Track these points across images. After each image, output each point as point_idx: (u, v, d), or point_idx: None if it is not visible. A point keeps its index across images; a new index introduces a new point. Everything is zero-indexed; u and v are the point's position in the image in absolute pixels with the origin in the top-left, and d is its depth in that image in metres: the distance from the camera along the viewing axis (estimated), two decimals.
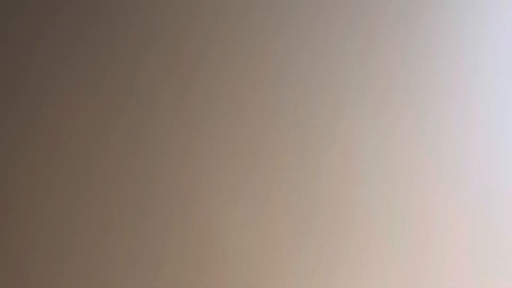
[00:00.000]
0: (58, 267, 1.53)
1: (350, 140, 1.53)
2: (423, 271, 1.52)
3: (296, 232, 1.52)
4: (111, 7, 1.56)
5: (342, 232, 1.52)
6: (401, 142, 1.53)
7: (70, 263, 1.53)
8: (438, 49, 1.54)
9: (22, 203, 1.54)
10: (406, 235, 1.52)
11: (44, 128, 1.55)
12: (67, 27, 1.56)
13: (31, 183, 1.54)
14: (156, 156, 1.54)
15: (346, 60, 1.54)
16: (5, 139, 1.54)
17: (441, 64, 1.54)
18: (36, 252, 1.53)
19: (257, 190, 1.53)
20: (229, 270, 1.52)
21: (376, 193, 1.52)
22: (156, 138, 1.54)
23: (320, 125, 1.54)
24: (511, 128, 1.52)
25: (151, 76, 1.55)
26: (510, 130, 1.52)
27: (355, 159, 1.53)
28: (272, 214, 1.53)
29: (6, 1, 1.56)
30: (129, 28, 1.56)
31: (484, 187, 1.51)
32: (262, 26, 1.55)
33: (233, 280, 1.52)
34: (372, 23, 1.54)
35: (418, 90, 1.54)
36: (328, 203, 1.52)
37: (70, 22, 1.56)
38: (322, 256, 1.52)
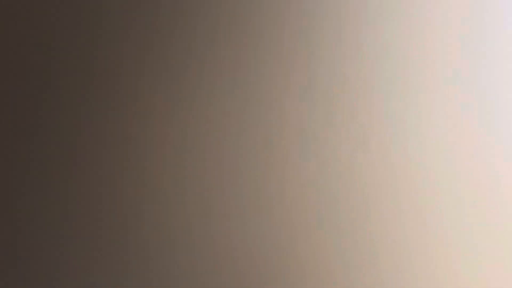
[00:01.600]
0: (57, 267, 1.53)
1: (356, 139, 1.53)
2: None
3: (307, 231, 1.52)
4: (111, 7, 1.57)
5: (349, 230, 1.52)
6: (403, 142, 1.53)
7: (68, 264, 1.53)
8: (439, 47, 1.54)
9: (21, 202, 1.54)
10: (405, 235, 1.52)
11: (44, 127, 1.55)
12: (67, 24, 1.57)
13: (29, 183, 1.54)
14: (155, 155, 1.54)
15: (347, 58, 1.55)
16: (5, 138, 1.54)
17: (442, 62, 1.54)
18: (35, 252, 1.53)
19: (257, 187, 1.53)
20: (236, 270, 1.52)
21: (378, 192, 1.52)
22: (154, 136, 1.54)
23: (326, 123, 1.54)
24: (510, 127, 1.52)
25: (149, 76, 1.56)
26: (509, 129, 1.52)
27: (361, 157, 1.53)
28: (273, 211, 1.53)
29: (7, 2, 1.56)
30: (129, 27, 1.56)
31: (483, 185, 1.52)
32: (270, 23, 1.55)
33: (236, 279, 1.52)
34: (368, 21, 1.54)
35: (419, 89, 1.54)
36: (333, 201, 1.52)
37: (70, 21, 1.57)
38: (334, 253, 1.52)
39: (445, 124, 1.53)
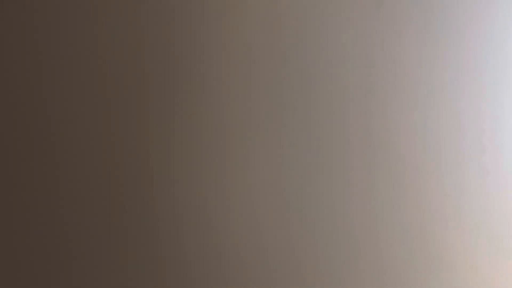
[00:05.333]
0: (58, 267, 1.53)
1: (354, 138, 1.53)
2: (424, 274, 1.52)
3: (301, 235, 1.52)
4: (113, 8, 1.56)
5: (345, 233, 1.52)
6: (403, 140, 1.53)
7: (70, 264, 1.53)
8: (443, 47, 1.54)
9: (22, 203, 1.54)
10: (407, 235, 1.51)
11: (44, 127, 1.55)
12: (68, 25, 1.56)
13: (29, 183, 1.54)
14: (157, 155, 1.54)
15: (350, 58, 1.54)
16: (5, 139, 1.54)
17: (444, 63, 1.54)
18: (36, 252, 1.53)
19: (256, 189, 1.53)
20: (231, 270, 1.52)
21: (377, 192, 1.52)
22: (156, 137, 1.54)
23: (325, 126, 1.53)
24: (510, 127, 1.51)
25: (150, 75, 1.55)
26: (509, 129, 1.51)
27: (357, 159, 1.53)
28: (273, 211, 1.53)
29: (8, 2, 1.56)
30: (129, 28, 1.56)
31: (484, 186, 1.51)
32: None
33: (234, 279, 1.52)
34: (381, 21, 1.54)
35: (422, 88, 1.53)
36: (329, 201, 1.52)
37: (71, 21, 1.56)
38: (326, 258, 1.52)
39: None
